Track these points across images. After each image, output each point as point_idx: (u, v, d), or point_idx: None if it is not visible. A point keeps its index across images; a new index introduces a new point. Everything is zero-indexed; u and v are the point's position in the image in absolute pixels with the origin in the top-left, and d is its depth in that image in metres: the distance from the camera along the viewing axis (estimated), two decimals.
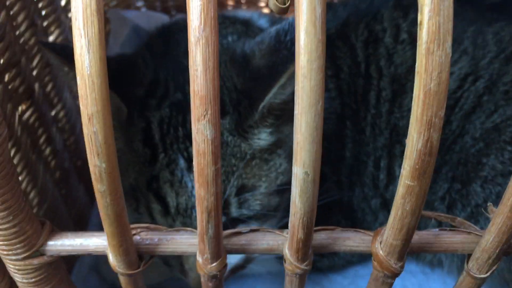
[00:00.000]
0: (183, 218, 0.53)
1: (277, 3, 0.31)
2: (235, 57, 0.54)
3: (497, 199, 0.61)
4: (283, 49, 0.49)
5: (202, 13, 0.28)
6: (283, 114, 0.54)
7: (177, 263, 0.57)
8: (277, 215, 0.58)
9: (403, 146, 0.68)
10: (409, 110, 0.67)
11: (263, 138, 0.54)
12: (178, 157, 0.53)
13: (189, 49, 0.29)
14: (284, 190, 0.56)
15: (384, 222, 0.73)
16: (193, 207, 0.53)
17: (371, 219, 0.74)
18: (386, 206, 0.73)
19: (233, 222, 0.56)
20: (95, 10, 0.28)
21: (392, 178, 0.71)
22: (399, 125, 0.68)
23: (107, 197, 0.33)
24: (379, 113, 0.69)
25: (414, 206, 0.33)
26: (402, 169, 0.32)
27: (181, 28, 0.65)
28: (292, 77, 0.49)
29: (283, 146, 0.56)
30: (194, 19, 0.28)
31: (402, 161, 0.67)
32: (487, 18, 0.67)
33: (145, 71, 0.57)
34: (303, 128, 0.30)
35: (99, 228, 0.81)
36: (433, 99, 0.29)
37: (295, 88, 0.31)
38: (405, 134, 0.67)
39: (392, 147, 0.69)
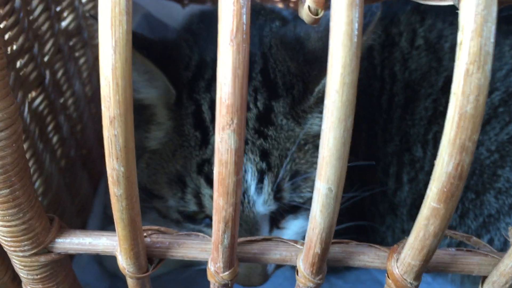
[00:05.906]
0: None
1: (310, 14, 0.30)
2: (286, 40, 0.54)
3: (509, 210, 0.61)
4: None
5: (235, 18, 0.27)
6: None
7: None
8: None
9: (412, 154, 0.67)
10: (421, 118, 0.67)
11: (316, 123, 0.54)
12: None
13: (217, 55, 0.28)
14: None
15: (391, 226, 0.73)
16: (246, 192, 0.52)
17: (378, 221, 0.74)
18: (393, 210, 0.72)
19: (285, 209, 0.55)
20: (124, 9, 0.27)
21: (400, 184, 0.70)
22: (409, 132, 0.67)
23: (122, 201, 0.32)
24: (390, 119, 0.68)
25: (437, 229, 0.32)
26: (428, 190, 0.31)
27: None
28: None
29: None
30: (225, 24, 0.27)
31: (410, 169, 0.68)
32: (503, 30, 0.65)
33: (190, 55, 0.56)
34: (330, 143, 0.29)
35: (101, 218, 0.81)
36: (469, 122, 0.28)
37: (324, 102, 0.30)
38: (415, 143, 0.67)
39: (401, 154, 0.68)
